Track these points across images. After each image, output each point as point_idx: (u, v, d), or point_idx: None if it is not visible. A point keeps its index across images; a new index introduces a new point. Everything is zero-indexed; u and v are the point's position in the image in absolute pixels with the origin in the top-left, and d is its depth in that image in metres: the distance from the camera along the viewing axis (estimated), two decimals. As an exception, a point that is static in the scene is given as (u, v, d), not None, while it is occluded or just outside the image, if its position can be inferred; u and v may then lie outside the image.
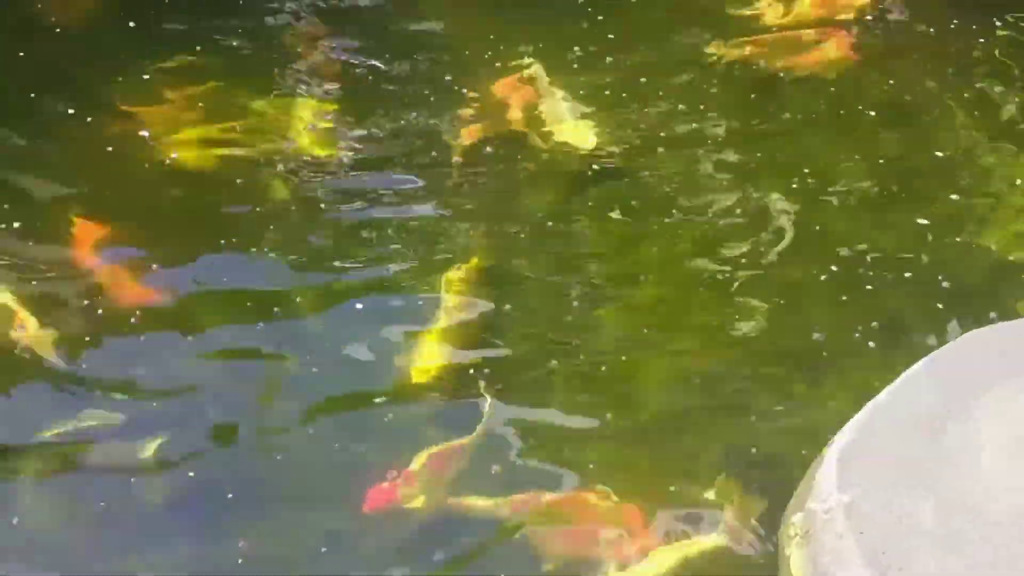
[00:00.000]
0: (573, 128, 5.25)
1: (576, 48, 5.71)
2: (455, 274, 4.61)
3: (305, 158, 5.08)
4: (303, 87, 5.44)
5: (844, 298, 4.62)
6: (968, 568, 3.23)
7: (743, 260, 4.77)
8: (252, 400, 4.21)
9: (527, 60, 5.57)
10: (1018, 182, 5.13)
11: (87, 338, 4.35)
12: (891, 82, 5.61)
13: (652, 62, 5.69)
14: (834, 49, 5.70)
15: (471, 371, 4.29)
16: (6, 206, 4.77)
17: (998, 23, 5.84)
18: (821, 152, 5.26)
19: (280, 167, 5.05)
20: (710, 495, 3.92)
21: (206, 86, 5.31)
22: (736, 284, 4.67)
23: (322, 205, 4.92)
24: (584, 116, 5.30)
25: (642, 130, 5.32)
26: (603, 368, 4.35)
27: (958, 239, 4.86)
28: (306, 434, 4.10)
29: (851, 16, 5.88)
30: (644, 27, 5.87)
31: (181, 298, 4.51)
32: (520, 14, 5.86)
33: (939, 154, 5.24)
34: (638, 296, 4.70)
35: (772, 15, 5.88)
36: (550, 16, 5.87)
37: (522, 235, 4.83)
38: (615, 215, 4.98)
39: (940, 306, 4.56)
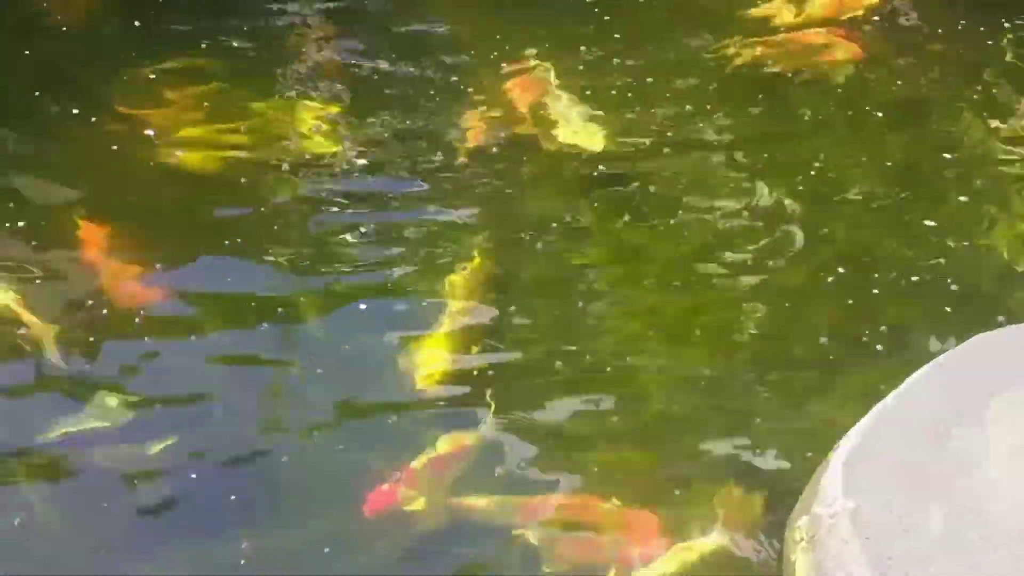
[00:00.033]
0: (581, 130, 5.23)
1: (582, 48, 5.70)
2: (459, 277, 4.60)
3: (309, 160, 5.08)
4: (307, 88, 5.44)
5: (851, 301, 4.59)
6: (975, 575, 3.21)
7: (749, 263, 4.75)
8: (255, 402, 4.20)
9: (535, 62, 5.56)
10: (1028, 184, 5.12)
11: (90, 339, 4.35)
12: (899, 83, 5.59)
13: (659, 63, 5.68)
14: (842, 50, 5.68)
15: (475, 375, 4.27)
16: (10, 204, 4.77)
17: (1006, 24, 5.83)
18: (829, 154, 5.24)
19: (283, 169, 5.04)
20: (714, 499, 3.89)
21: (209, 87, 5.31)
22: (742, 287, 4.66)
23: (326, 207, 4.91)
24: (591, 118, 5.29)
25: (649, 132, 5.30)
26: (607, 371, 4.33)
27: (966, 242, 4.83)
28: (309, 436, 4.08)
29: (860, 15, 5.86)
30: (651, 28, 5.86)
31: (184, 299, 4.51)
32: (526, 15, 5.86)
33: (947, 156, 5.22)
34: (643, 299, 4.67)
35: (783, 16, 5.86)
36: (556, 17, 5.87)
37: (527, 238, 4.82)
38: (621, 217, 4.96)
39: (948, 309, 4.54)
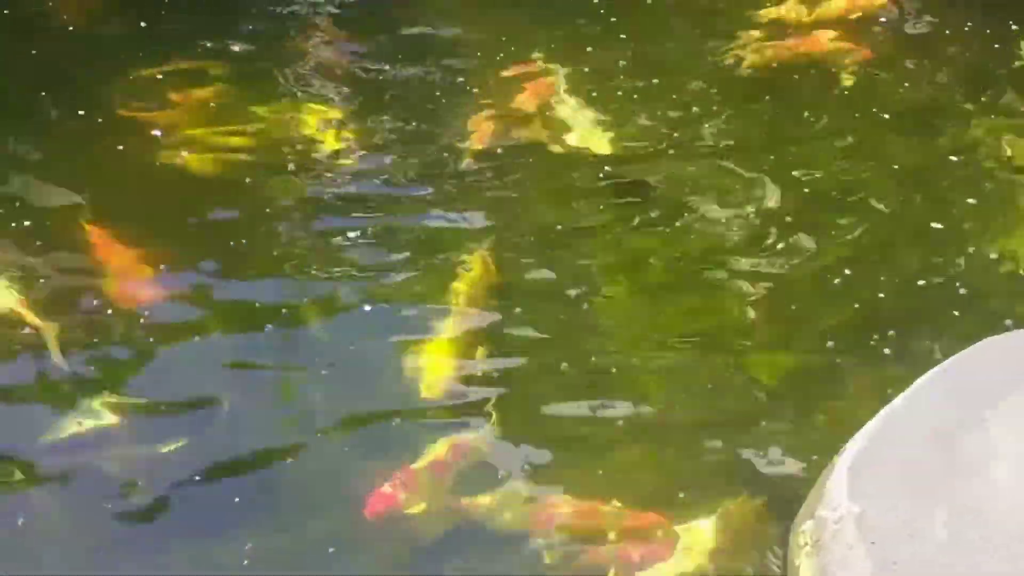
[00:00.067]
0: (587, 133, 5.22)
1: (589, 49, 5.70)
2: (464, 279, 4.59)
3: (313, 162, 5.08)
4: (311, 90, 5.44)
5: (857, 305, 4.57)
6: (979, 579, 3.20)
7: (755, 266, 4.73)
8: (258, 404, 4.20)
9: (541, 64, 5.55)
10: (1036, 187, 5.09)
11: (94, 340, 4.35)
12: (906, 85, 5.58)
13: (665, 65, 5.67)
14: (850, 52, 5.66)
15: (479, 377, 4.27)
16: (16, 204, 4.78)
17: (1014, 27, 5.81)
18: (836, 157, 5.23)
19: (287, 171, 5.04)
20: (719, 502, 3.87)
21: (212, 88, 5.32)
22: (748, 290, 4.64)
23: (330, 210, 4.91)
24: (598, 120, 5.27)
25: (655, 134, 5.30)
26: (612, 373, 4.31)
27: (974, 245, 4.81)
28: (313, 439, 4.08)
29: (867, 18, 5.84)
30: (657, 29, 5.85)
31: (187, 301, 4.51)
32: (532, 16, 5.86)
33: (955, 159, 5.20)
34: (648, 302, 4.66)
35: (791, 17, 5.85)
36: (562, 18, 5.87)
37: (532, 241, 4.80)
38: (626, 221, 4.95)
39: (955, 313, 4.51)
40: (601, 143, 5.19)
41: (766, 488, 3.91)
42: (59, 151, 5.10)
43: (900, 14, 5.92)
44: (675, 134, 5.29)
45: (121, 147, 5.05)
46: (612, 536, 3.78)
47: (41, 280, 4.50)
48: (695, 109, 5.42)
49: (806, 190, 5.05)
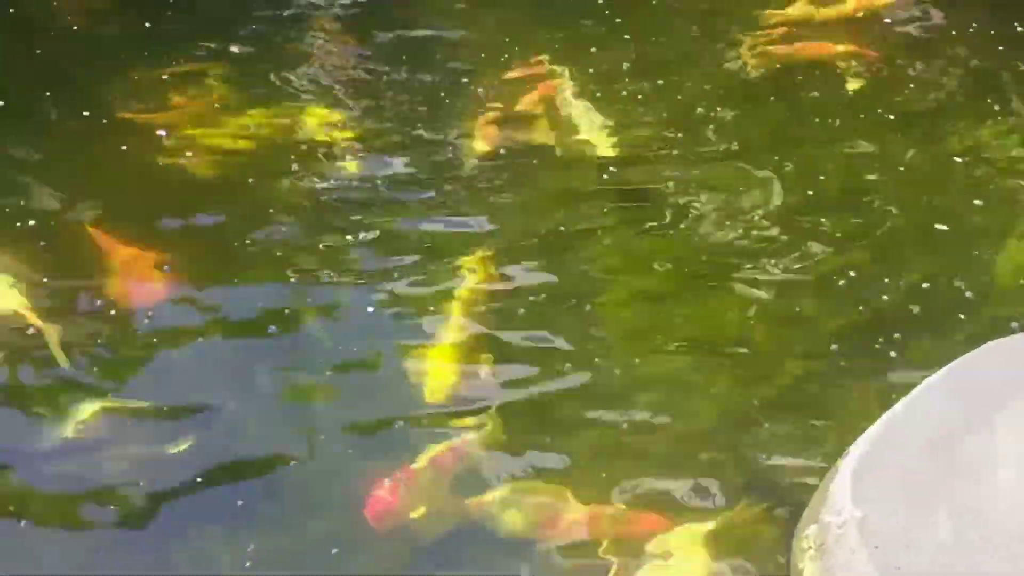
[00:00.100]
0: (592, 134, 5.21)
1: (593, 50, 5.69)
2: (468, 282, 4.58)
3: (315, 164, 5.07)
4: (313, 92, 5.43)
5: (862, 308, 4.55)
6: (983, 584, 3.19)
7: (760, 267, 4.72)
8: (261, 406, 4.19)
9: (547, 66, 5.54)
10: (1042, 190, 5.08)
11: (97, 341, 4.35)
12: (912, 87, 5.58)
13: (670, 65, 5.67)
14: (856, 54, 5.65)
15: (482, 382, 4.26)
16: (21, 203, 4.78)
17: (1020, 29, 5.80)
18: (841, 158, 5.23)
19: (290, 173, 5.04)
20: (723, 507, 3.87)
21: (215, 90, 5.32)
22: (753, 292, 4.63)
23: (333, 212, 4.90)
24: (603, 122, 5.27)
25: (660, 136, 5.30)
26: (615, 380, 4.30)
27: (979, 248, 4.80)
28: (317, 441, 4.08)
29: (873, 19, 5.84)
30: (662, 30, 5.85)
31: (190, 303, 4.51)
32: (536, 17, 5.86)
33: (960, 160, 5.18)
34: (653, 304, 4.65)
35: (797, 17, 5.84)
36: (566, 19, 5.87)
37: (535, 244, 4.79)
38: (631, 222, 4.94)
39: (962, 316, 4.50)
40: (605, 145, 5.18)
41: (769, 492, 3.90)
42: (60, 151, 5.11)
43: (906, 16, 5.91)
44: (679, 136, 5.28)
45: (123, 148, 5.06)
46: (616, 541, 3.77)
47: (43, 281, 4.50)
48: (699, 110, 5.42)
49: (810, 192, 5.04)
